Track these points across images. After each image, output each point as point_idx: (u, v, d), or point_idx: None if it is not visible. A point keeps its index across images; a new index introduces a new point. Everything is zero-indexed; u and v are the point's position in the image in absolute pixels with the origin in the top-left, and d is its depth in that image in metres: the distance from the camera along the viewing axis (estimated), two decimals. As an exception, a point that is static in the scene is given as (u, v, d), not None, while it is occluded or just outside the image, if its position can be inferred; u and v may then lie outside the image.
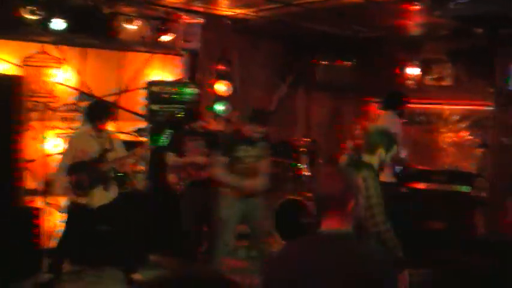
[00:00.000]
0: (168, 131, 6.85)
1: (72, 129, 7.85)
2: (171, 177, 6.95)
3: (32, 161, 7.45)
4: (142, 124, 7.89)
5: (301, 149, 8.66)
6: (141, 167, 7.76)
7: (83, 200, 6.24)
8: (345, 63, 10.06)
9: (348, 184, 2.57)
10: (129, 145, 6.81)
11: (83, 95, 8.10)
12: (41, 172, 7.53)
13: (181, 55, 9.02)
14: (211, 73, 8.60)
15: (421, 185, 8.75)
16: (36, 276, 6.27)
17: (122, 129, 8.37)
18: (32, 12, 6.84)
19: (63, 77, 7.92)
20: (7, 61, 7.42)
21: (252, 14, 7.67)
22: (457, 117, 9.64)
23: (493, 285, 5.84)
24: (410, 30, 8.71)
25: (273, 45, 9.64)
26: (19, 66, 7.46)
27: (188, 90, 8.03)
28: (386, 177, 6.75)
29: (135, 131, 7.65)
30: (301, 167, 8.65)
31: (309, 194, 8.45)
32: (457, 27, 7.99)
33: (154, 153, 7.53)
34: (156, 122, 7.74)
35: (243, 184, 6.07)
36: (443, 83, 9.52)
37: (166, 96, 7.89)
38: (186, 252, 7.00)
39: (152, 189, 7.62)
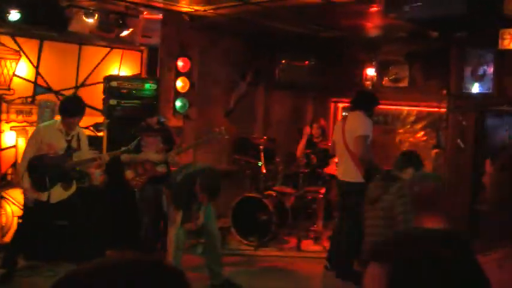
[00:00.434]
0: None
1: (27, 122, 7.77)
2: (128, 173, 6.94)
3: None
4: (100, 119, 7.86)
5: (260, 147, 8.71)
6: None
7: (41, 197, 6.18)
8: (305, 62, 10.14)
9: None
10: (90, 140, 6.81)
11: (39, 88, 8.02)
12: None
13: (140, 50, 8.99)
14: (170, 69, 8.58)
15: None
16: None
17: (79, 123, 8.32)
18: (-12, 3, 6.75)
19: (19, 69, 7.82)
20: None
21: (211, 11, 7.69)
22: (413, 118, 9.83)
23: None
24: (369, 32, 8.82)
25: (232, 43, 9.67)
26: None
27: (147, 85, 7.99)
28: (356, 177, 6.85)
29: (93, 126, 7.62)
30: (259, 164, 8.70)
31: (268, 192, 8.52)
32: (414, 29, 8.12)
33: (111, 149, 7.50)
34: (114, 117, 7.69)
35: None
36: (400, 84, 9.68)
37: (124, 91, 7.83)
38: (144, 247, 7.00)
39: (109, 185, 7.57)
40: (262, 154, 8.65)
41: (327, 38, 9.24)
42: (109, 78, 7.87)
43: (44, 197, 6.20)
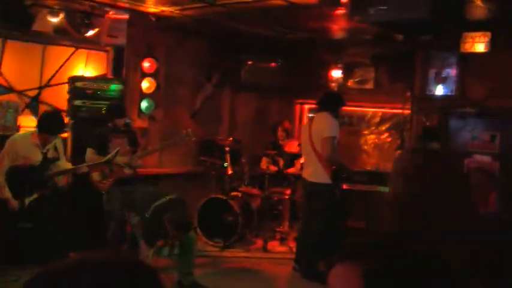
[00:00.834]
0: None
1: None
2: (95, 175, 6.86)
3: None
4: (65, 120, 7.76)
5: (226, 148, 8.71)
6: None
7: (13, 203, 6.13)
8: (271, 64, 10.17)
9: None
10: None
11: (1, 88, 7.89)
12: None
13: (106, 51, 8.91)
14: (136, 70, 8.53)
15: (345, 186, 8.98)
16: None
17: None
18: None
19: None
20: None
21: (177, 11, 7.67)
22: (378, 120, 9.94)
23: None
24: (335, 34, 8.90)
25: (199, 44, 9.64)
26: None
27: (113, 86, 7.92)
28: (324, 179, 6.88)
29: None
30: (225, 165, 8.70)
31: (233, 193, 8.53)
32: (379, 32, 8.21)
33: (76, 150, 7.43)
34: (79, 118, 7.61)
35: None
36: (366, 86, 9.79)
37: (90, 92, 7.75)
38: (110, 249, 6.95)
39: (74, 187, 7.48)
40: (228, 155, 8.66)
41: (293, 40, 9.29)
42: (74, 79, 7.78)
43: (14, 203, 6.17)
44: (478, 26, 7.19)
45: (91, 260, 1.12)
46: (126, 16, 8.19)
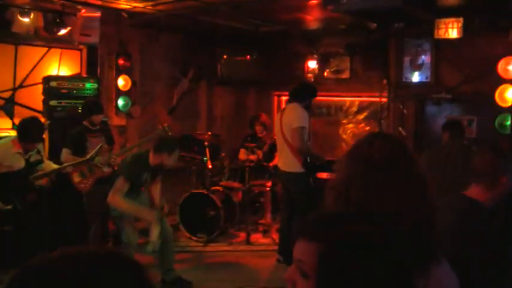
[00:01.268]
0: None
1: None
2: (75, 176, 6.80)
3: None
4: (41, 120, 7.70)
5: (205, 143, 8.69)
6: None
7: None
8: (246, 57, 10.17)
9: None
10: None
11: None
12: None
13: (79, 49, 8.84)
14: (111, 67, 8.47)
15: (324, 175, 9.01)
16: None
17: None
18: None
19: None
20: None
21: (150, 7, 7.61)
22: (356, 109, 9.99)
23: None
24: (309, 25, 8.91)
25: (173, 39, 9.60)
26: None
27: (88, 85, 7.86)
28: (296, 168, 6.95)
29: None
30: (205, 160, 8.68)
31: (214, 187, 8.52)
32: (353, 21, 8.25)
33: (53, 151, 7.37)
34: (54, 118, 7.54)
35: None
36: (342, 76, 9.83)
37: (65, 91, 7.68)
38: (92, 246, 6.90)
39: (54, 187, 7.43)
40: (207, 150, 8.64)
41: (268, 32, 9.29)
42: (48, 79, 7.71)
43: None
44: (451, 12, 7.25)
45: (75, 252, 1.11)
46: (98, 14, 8.14)
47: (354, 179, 1.95)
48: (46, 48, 8.49)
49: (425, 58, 8.75)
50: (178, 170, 8.97)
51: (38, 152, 6.32)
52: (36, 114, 7.96)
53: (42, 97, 7.75)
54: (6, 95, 8.16)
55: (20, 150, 6.11)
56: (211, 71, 10.09)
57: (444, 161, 5.62)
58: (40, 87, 7.84)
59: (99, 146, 6.49)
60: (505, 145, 7.23)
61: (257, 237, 8.44)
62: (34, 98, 8.12)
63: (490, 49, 7.95)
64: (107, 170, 6.94)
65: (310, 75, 9.93)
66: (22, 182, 6.12)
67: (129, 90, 8.61)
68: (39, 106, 7.91)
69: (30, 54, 8.40)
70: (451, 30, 7.42)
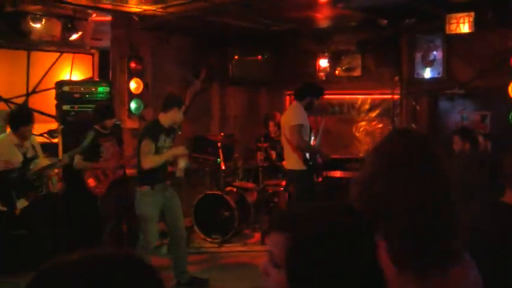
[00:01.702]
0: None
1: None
2: (91, 181, 6.83)
3: None
4: (54, 125, 7.75)
5: (218, 144, 8.70)
6: (56, 169, 7.60)
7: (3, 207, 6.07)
8: (258, 56, 10.16)
9: None
10: (45, 147, 6.69)
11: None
12: None
13: (91, 54, 8.89)
14: (122, 71, 8.50)
15: (337, 173, 9.01)
16: None
17: (33, 131, 8.18)
18: None
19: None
20: None
21: (160, 10, 7.64)
22: (368, 106, 9.95)
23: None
24: (320, 23, 8.89)
25: (184, 41, 9.62)
26: None
27: (100, 88, 7.89)
28: (297, 165, 7.00)
29: (47, 133, 7.50)
30: (218, 161, 8.69)
31: (228, 188, 8.53)
32: (364, 18, 8.22)
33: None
34: (68, 122, 7.58)
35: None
36: (353, 74, 9.79)
37: (77, 95, 7.72)
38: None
39: (68, 192, 7.47)
40: (220, 151, 8.64)
41: (278, 31, 9.27)
42: (61, 84, 7.75)
43: (3, 207, 6.08)
44: (462, 7, 7.21)
45: (93, 255, 1.12)
46: (109, 18, 8.17)
47: (377, 175, 1.96)
48: (58, 54, 8.55)
49: (437, 54, 8.70)
50: (192, 171, 8.99)
51: (33, 147, 6.31)
52: (49, 119, 8.03)
53: (55, 102, 7.80)
54: (20, 100, 8.22)
55: (16, 142, 6.11)
56: (223, 72, 10.10)
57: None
58: (53, 92, 7.89)
59: (89, 136, 6.49)
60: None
61: (272, 237, 8.42)
62: (47, 103, 8.16)
63: (502, 43, 7.90)
64: (120, 171, 6.99)
65: (321, 73, 9.91)
66: (20, 179, 6.11)
67: (141, 93, 8.63)
68: (53, 111, 7.96)
69: (43, 59, 8.46)
70: (463, 25, 7.38)
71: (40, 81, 8.40)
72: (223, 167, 8.60)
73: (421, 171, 1.93)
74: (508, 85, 7.59)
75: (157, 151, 6.07)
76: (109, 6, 7.59)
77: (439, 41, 8.59)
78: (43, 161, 6.44)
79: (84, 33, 8.08)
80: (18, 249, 6.56)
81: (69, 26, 7.77)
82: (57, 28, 7.90)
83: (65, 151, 7.48)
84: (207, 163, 9.03)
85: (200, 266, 7.16)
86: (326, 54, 9.87)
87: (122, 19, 8.24)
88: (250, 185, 8.87)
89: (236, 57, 9.98)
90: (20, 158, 6.12)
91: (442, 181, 1.96)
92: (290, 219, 1.45)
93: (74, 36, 7.89)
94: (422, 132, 8.71)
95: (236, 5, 7.17)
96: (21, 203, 6.20)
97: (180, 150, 6.28)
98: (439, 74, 8.67)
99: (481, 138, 8.00)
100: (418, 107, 8.91)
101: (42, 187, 7.31)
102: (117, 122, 7.43)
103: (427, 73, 8.75)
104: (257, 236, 8.43)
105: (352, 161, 8.83)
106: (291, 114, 7.12)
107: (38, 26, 7.64)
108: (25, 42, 7.93)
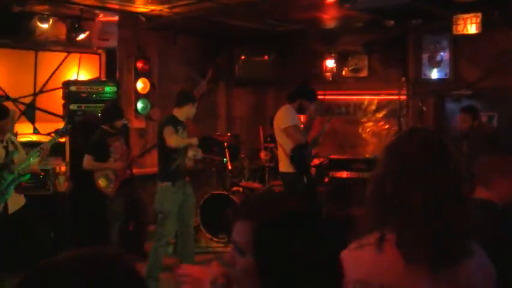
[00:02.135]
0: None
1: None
2: (102, 182, 6.85)
3: None
4: (61, 125, 7.76)
5: (224, 144, 8.71)
6: (63, 168, 7.63)
7: None
8: (264, 57, 10.17)
9: None
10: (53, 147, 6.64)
11: (-3, 96, 7.91)
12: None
13: (98, 53, 8.91)
14: (129, 71, 8.53)
15: (343, 174, 8.99)
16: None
17: (40, 131, 8.23)
18: None
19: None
20: None
21: (167, 10, 7.66)
22: (375, 107, 9.93)
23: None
24: (327, 23, 8.89)
25: (190, 41, 9.64)
26: None
27: (107, 88, 7.93)
28: (287, 168, 6.97)
29: (55, 132, 7.51)
30: (224, 161, 8.70)
31: (235, 188, 8.54)
32: (370, 19, 8.21)
33: (75, 156, 7.44)
34: (75, 122, 7.60)
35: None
36: (360, 74, 9.78)
37: (84, 95, 7.76)
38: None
39: (74, 191, 7.50)
40: (226, 151, 8.65)
41: (285, 32, 9.28)
42: (68, 83, 7.79)
43: None
44: (468, 7, 7.19)
45: (72, 256, 1.15)
46: (115, 18, 8.20)
47: (389, 174, 1.99)
48: (65, 54, 8.58)
49: (444, 54, 8.68)
50: (199, 171, 9.00)
51: (12, 142, 6.22)
52: (57, 118, 8.06)
53: (62, 102, 7.83)
54: (27, 100, 8.25)
55: None
56: (229, 72, 10.12)
57: None
58: (60, 92, 7.93)
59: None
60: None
61: (278, 237, 8.43)
62: (54, 102, 8.20)
63: (509, 43, 7.87)
64: (128, 171, 7.03)
65: (328, 74, 9.90)
66: (6, 181, 6.02)
67: (148, 93, 8.66)
68: (60, 111, 8.00)
69: (50, 59, 8.49)
70: (470, 26, 7.36)
71: (47, 81, 8.42)
72: (229, 167, 8.61)
73: (433, 168, 1.95)
74: (515, 86, 7.58)
75: None
76: (116, 7, 7.62)
77: (446, 41, 8.57)
78: (24, 155, 6.26)
79: (91, 33, 8.12)
80: (18, 249, 6.50)
81: (76, 26, 7.81)
82: (64, 28, 7.95)
83: (72, 150, 7.52)
84: (213, 163, 9.04)
85: (207, 265, 7.16)
86: (333, 54, 9.87)
87: (129, 19, 8.27)
88: (256, 185, 8.87)
89: (242, 57, 9.99)
90: (2, 153, 5.96)
91: (451, 180, 1.97)
92: (253, 209, 1.58)
93: (81, 36, 7.93)
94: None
95: (242, 5, 7.18)
96: (15, 204, 6.12)
97: (194, 140, 6.46)
98: (446, 74, 8.64)
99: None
100: (424, 108, 8.89)
101: (50, 186, 7.36)
102: (125, 122, 7.45)
103: (434, 74, 8.73)
104: (263, 236, 8.42)
105: (358, 162, 8.82)
106: (281, 116, 7.00)
107: (45, 26, 7.69)
108: (32, 42, 7.97)
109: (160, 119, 6.84)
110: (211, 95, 10.23)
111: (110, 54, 8.78)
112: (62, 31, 7.97)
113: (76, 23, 7.79)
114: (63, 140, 7.46)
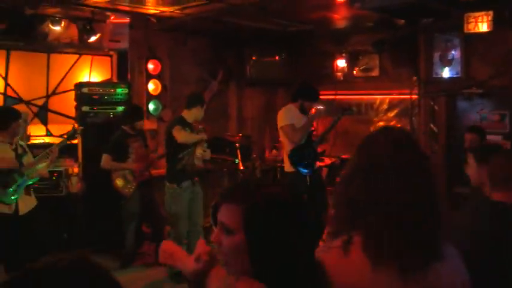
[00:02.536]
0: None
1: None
2: (119, 182, 6.90)
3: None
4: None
5: (236, 144, 8.72)
6: (75, 169, 7.68)
7: (6, 209, 5.91)
8: (275, 57, 10.18)
9: None
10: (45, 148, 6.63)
11: (10, 99, 7.97)
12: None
13: (109, 55, 8.96)
14: (141, 72, 8.57)
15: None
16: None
17: (53, 132, 8.29)
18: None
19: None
20: None
21: (177, 11, 7.69)
22: (386, 107, 9.90)
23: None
24: (337, 23, 8.88)
25: (201, 42, 9.66)
26: None
27: (119, 90, 7.97)
28: (287, 167, 6.96)
29: (67, 134, 7.56)
30: (236, 161, 8.71)
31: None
32: (381, 18, 8.19)
33: (87, 157, 7.49)
34: (87, 123, 7.65)
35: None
36: (371, 74, 9.76)
37: (96, 97, 7.80)
38: (127, 255, 7.07)
39: (88, 192, 7.54)
40: (238, 151, 8.66)
41: (295, 32, 9.28)
42: (80, 85, 7.83)
43: (8, 209, 5.93)
44: (480, 5, 7.16)
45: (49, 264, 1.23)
46: (127, 20, 8.24)
47: (357, 173, 1.98)
48: (77, 56, 8.64)
49: (455, 53, 8.63)
50: (210, 172, 9.02)
51: (21, 146, 6.25)
52: (69, 120, 8.11)
53: (74, 103, 7.88)
54: (40, 102, 8.32)
55: (5, 140, 5.93)
56: (240, 73, 10.13)
57: None
58: (72, 93, 7.98)
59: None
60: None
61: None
62: (67, 104, 8.26)
63: (520, 42, 7.82)
64: (146, 173, 7.08)
65: (339, 74, 9.89)
66: (18, 183, 6.04)
67: (159, 94, 8.70)
68: (72, 112, 8.05)
69: (62, 61, 8.55)
70: (481, 24, 7.32)
71: (60, 83, 8.49)
72: (241, 168, 8.62)
73: (399, 169, 1.92)
74: (526, 84, 7.53)
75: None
76: (127, 8, 7.66)
77: (457, 40, 8.52)
78: (31, 158, 6.28)
79: (103, 35, 8.17)
80: (36, 250, 6.52)
81: (88, 28, 7.86)
82: (76, 30, 8.00)
83: (84, 152, 7.56)
84: (225, 163, 9.05)
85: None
86: (343, 54, 9.86)
87: (140, 21, 8.30)
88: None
89: (253, 58, 10.00)
90: (12, 154, 5.99)
91: (421, 179, 1.94)
92: (240, 193, 1.70)
93: (93, 38, 7.98)
94: (439, 131, 8.69)
95: (253, 6, 7.19)
96: (26, 205, 6.11)
97: (203, 135, 6.62)
98: (457, 73, 8.60)
99: (500, 139, 7.96)
100: (436, 107, 8.85)
101: (63, 188, 7.40)
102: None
103: (446, 73, 8.69)
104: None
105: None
106: (279, 116, 7.03)
107: (57, 28, 7.74)
108: (44, 45, 8.03)
109: (170, 121, 6.93)
110: (222, 95, 10.26)
111: (122, 55, 8.83)
112: (74, 33, 8.02)
113: (87, 25, 7.84)
114: (75, 141, 7.50)
